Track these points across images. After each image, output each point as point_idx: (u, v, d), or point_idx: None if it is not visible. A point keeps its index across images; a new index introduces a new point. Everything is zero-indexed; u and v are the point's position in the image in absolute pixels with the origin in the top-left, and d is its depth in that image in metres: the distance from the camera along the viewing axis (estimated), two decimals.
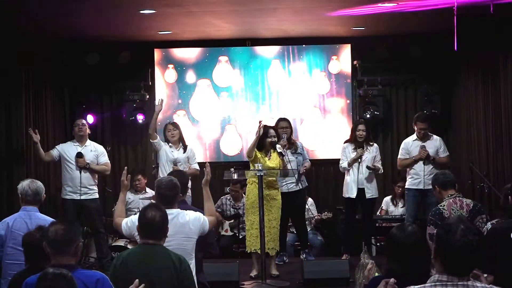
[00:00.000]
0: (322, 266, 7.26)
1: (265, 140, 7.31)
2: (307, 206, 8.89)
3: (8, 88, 8.27)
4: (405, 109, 10.15)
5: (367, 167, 8.01)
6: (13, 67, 8.32)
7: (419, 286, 2.86)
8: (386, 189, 9.83)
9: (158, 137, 8.10)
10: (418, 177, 8.13)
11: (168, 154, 8.06)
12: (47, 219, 5.01)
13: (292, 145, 7.93)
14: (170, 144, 8.15)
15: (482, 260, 4.45)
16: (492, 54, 8.36)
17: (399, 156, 8.39)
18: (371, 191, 8.09)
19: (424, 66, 9.98)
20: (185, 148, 8.19)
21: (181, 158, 8.07)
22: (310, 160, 8.32)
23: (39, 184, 5.32)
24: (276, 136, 7.35)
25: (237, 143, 10.11)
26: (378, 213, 9.47)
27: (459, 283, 2.81)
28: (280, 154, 7.26)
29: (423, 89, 9.96)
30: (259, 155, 7.30)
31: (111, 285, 3.67)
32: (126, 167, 5.28)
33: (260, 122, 7.31)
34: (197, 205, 5.88)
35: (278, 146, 7.30)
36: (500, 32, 7.91)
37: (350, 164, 8.06)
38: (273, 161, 7.30)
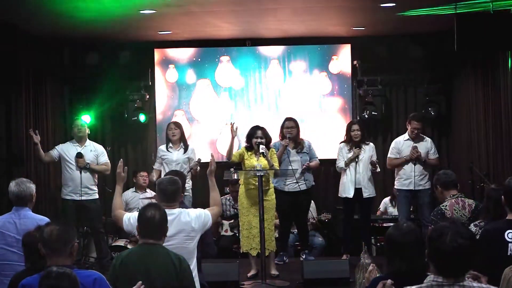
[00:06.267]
0: (322, 266, 7.26)
1: (252, 140, 7.34)
2: None
3: (8, 88, 8.27)
4: (405, 109, 10.14)
5: (371, 163, 7.99)
6: (13, 67, 8.31)
7: (415, 286, 2.88)
8: (386, 190, 9.82)
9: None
10: (409, 178, 8.12)
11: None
12: (36, 218, 4.94)
13: (298, 144, 7.95)
14: (170, 144, 8.16)
15: (477, 262, 4.45)
16: (492, 54, 8.35)
17: (389, 155, 8.37)
18: (368, 191, 8.08)
19: (424, 66, 9.97)
20: (186, 148, 8.18)
21: (180, 159, 8.08)
22: None
23: (26, 185, 5.15)
24: (263, 137, 7.35)
25: (235, 143, 10.05)
26: (377, 214, 9.48)
27: (455, 283, 2.82)
28: (262, 154, 7.27)
29: (423, 89, 9.97)
30: (246, 155, 7.33)
31: (108, 285, 3.67)
32: (121, 159, 5.27)
33: (232, 124, 7.32)
34: (197, 205, 5.87)
35: (261, 146, 7.28)
36: (500, 32, 7.89)
37: (347, 164, 8.06)
38: (261, 162, 7.30)
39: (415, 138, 8.19)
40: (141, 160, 10.26)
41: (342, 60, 10.08)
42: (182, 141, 8.21)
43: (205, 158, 9.76)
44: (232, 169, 7.74)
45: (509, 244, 4.25)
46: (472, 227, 4.93)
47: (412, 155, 8.05)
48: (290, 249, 8.64)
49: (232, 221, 9.04)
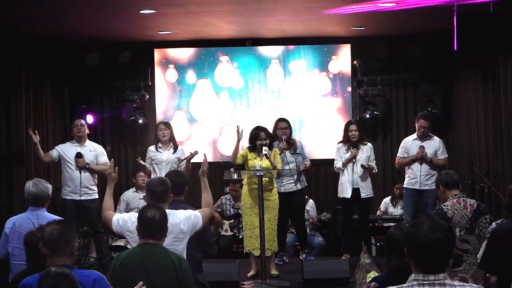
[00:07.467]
0: (322, 266, 7.26)
1: (255, 142, 7.34)
2: (307, 208, 8.89)
3: (8, 88, 8.27)
4: (405, 109, 10.16)
5: (362, 166, 8.00)
6: (13, 67, 8.32)
7: (396, 286, 2.88)
8: (386, 190, 9.83)
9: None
10: (415, 177, 8.12)
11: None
12: (55, 219, 4.96)
13: (291, 145, 7.94)
14: (159, 144, 8.21)
15: (486, 261, 4.45)
16: (492, 54, 8.35)
17: (398, 154, 8.38)
18: (366, 191, 8.08)
19: (424, 66, 9.98)
20: (175, 148, 8.25)
21: (170, 159, 8.13)
22: (310, 160, 8.33)
23: (44, 185, 5.24)
24: (266, 138, 7.35)
25: (234, 143, 10.06)
26: (377, 213, 9.47)
27: (435, 281, 2.82)
28: (266, 156, 7.27)
29: (423, 89, 9.97)
30: (249, 156, 7.34)
31: (109, 285, 3.67)
32: (112, 159, 5.23)
33: (238, 127, 7.36)
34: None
35: (264, 148, 7.28)
36: (500, 32, 7.91)
37: (345, 164, 8.06)
38: (264, 162, 7.31)
39: (423, 137, 8.18)
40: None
41: (342, 60, 10.08)
42: (172, 141, 8.28)
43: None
44: (232, 169, 7.74)
45: None
46: (493, 225, 4.94)
47: (417, 155, 8.05)
48: (289, 249, 8.64)
49: (232, 221, 9.04)
